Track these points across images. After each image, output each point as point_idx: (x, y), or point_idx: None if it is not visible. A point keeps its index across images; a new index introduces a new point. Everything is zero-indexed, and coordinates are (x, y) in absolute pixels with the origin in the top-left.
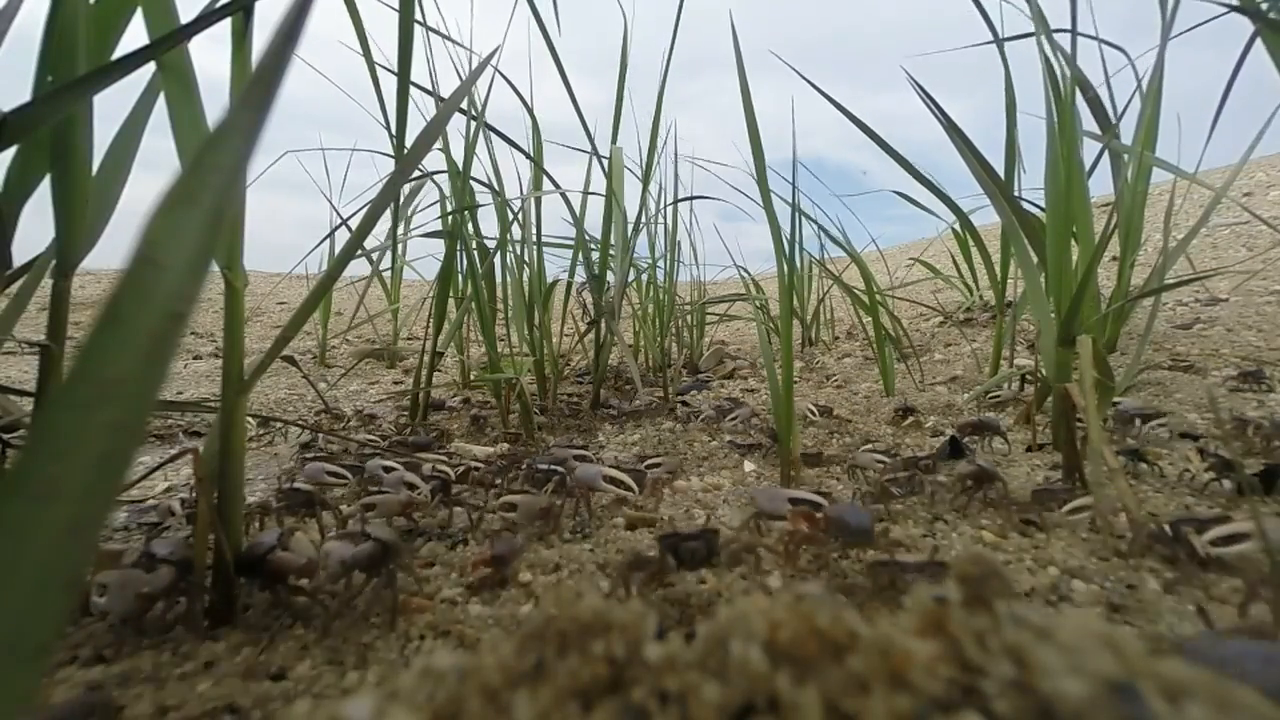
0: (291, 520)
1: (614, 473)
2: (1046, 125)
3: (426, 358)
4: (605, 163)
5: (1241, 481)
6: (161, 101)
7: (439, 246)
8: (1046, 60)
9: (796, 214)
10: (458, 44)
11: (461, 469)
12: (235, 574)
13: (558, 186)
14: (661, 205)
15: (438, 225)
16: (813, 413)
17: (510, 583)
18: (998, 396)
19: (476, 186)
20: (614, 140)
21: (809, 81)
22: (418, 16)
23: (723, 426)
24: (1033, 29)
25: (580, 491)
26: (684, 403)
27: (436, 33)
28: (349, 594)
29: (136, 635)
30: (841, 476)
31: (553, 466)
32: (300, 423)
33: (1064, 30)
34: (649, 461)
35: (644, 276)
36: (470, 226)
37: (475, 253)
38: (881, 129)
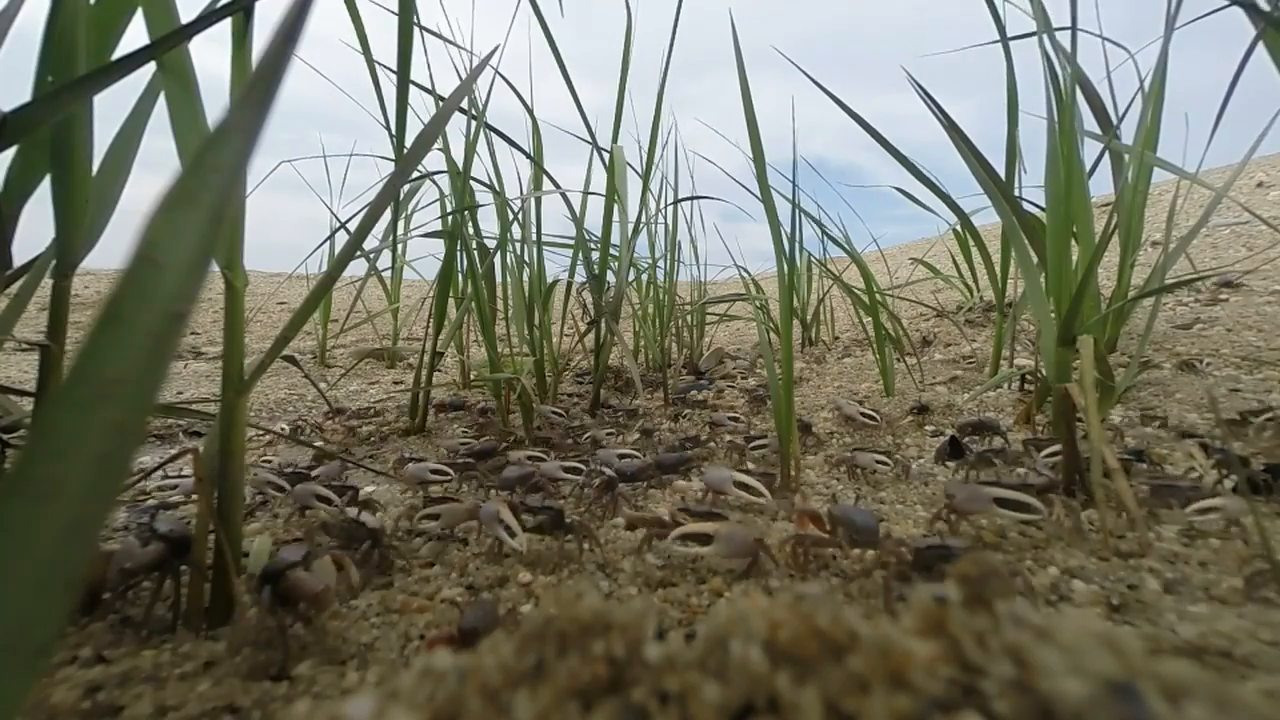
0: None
1: (745, 479)
2: (1047, 124)
3: (427, 358)
4: (605, 159)
5: (1240, 480)
6: (161, 101)
7: (439, 246)
8: (1047, 58)
9: (797, 213)
10: (458, 45)
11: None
12: (258, 584)
13: (558, 186)
14: (662, 205)
15: (438, 225)
16: (870, 417)
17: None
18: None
19: (476, 186)
20: (615, 139)
21: (809, 77)
22: (417, 17)
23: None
24: (1034, 29)
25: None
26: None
27: (436, 34)
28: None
29: (136, 634)
30: (841, 476)
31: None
32: (320, 447)
33: (1065, 29)
34: (755, 443)
35: (644, 276)
36: (470, 226)
37: (475, 252)
38: (882, 129)
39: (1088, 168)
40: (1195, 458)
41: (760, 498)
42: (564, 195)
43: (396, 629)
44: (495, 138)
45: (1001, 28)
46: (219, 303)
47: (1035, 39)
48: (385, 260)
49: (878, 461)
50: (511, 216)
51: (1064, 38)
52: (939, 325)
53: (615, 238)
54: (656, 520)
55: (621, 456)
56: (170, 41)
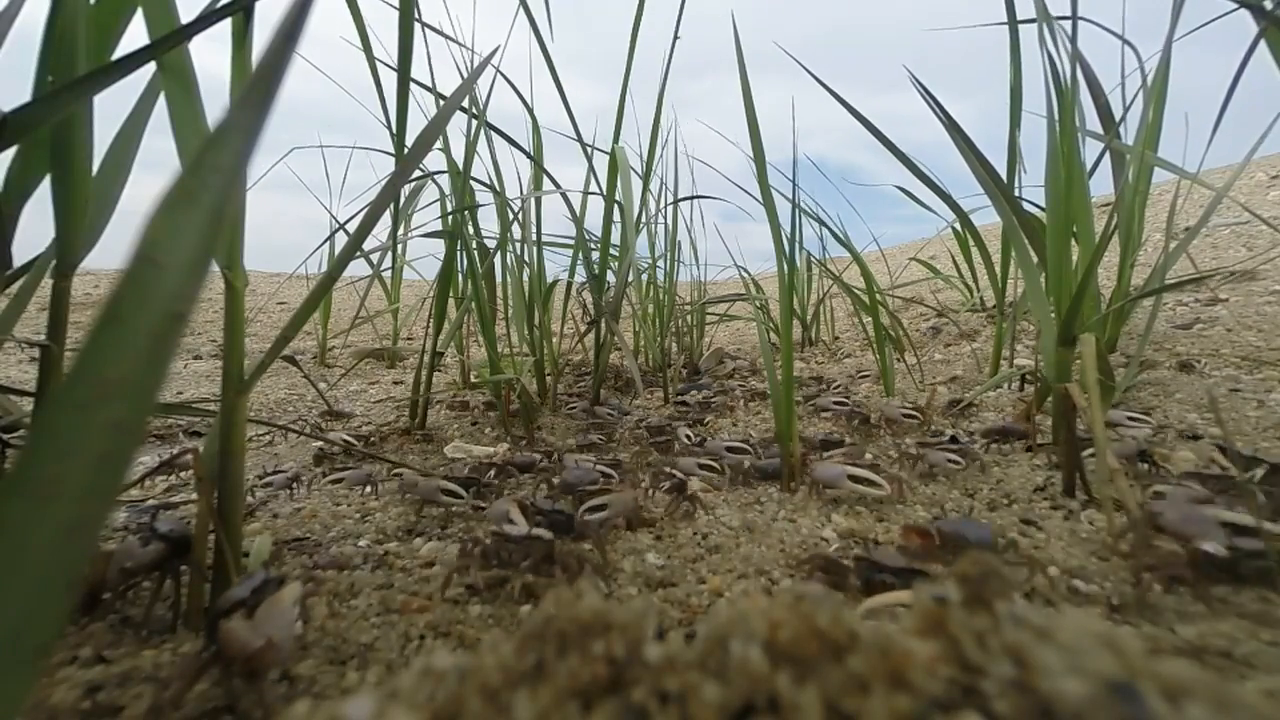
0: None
1: (860, 472)
2: (1047, 123)
3: (427, 358)
4: (601, 159)
5: (1241, 479)
6: (161, 101)
7: (439, 246)
8: (1048, 55)
9: (797, 212)
10: (459, 43)
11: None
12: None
13: (558, 186)
14: (662, 205)
15: (438, 225)
16: (912, 415)
17: None
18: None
19: (477, 186)
20: (616, 140)
21: (810, 73)
22: (418, 16)
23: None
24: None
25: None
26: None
27: (438, 32)
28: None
29: (136, 634)
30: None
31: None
32: (362, 449)
33: (1065, 17)
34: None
35: (644, 276)
36: (470, 226)
37: (475, 252)
38: (882, 129)
39: (1089, 167)
40: (1217, 461)
41: (879, 490)
42: (564, 195)
43: (396, 629)
44: (496, 137)
45: (1013, 13)
46: (219, 303)
47: (1037, 40)
48: (386, 260)
49: (949, 461)
50: (511, 216)
51: (1066, 38)
52: (938, 325)
53: (615, 238)
54: (655, 521)
55: (729, 449)
56: (170, 41)
